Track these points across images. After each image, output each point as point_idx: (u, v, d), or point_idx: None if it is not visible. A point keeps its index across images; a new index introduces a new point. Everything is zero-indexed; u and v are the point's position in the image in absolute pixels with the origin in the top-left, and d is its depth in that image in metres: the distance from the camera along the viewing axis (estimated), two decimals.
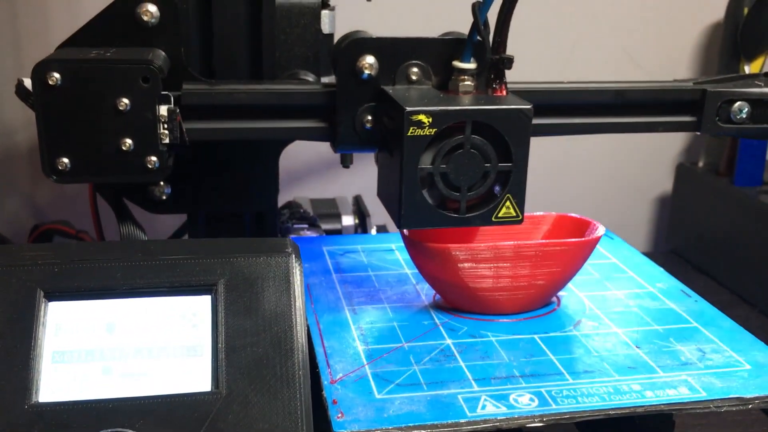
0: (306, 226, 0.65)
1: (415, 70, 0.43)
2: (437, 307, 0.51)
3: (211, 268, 0.35)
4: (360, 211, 0.70)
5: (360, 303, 0.51)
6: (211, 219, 0.52)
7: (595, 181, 0.98)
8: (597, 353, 0.45)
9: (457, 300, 0.50)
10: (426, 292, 0.52)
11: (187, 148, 0.42)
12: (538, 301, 0.50)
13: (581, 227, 0.52)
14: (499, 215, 0.42)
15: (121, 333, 0.34)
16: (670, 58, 0.96)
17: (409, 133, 0.39)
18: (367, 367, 0.42)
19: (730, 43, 0.88)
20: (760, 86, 0.49)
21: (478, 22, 0.41)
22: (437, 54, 0.44)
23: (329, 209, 0.69)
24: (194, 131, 0.42)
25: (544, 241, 0.50)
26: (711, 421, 0.62)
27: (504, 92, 0.43)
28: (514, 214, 0.42)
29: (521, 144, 0.41)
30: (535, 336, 0.47)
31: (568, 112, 0.48)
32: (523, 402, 0.40)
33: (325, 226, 0.67)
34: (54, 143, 0.40)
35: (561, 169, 0.96)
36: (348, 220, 0.68)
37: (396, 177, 0.40)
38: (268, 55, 0.47)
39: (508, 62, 0.42)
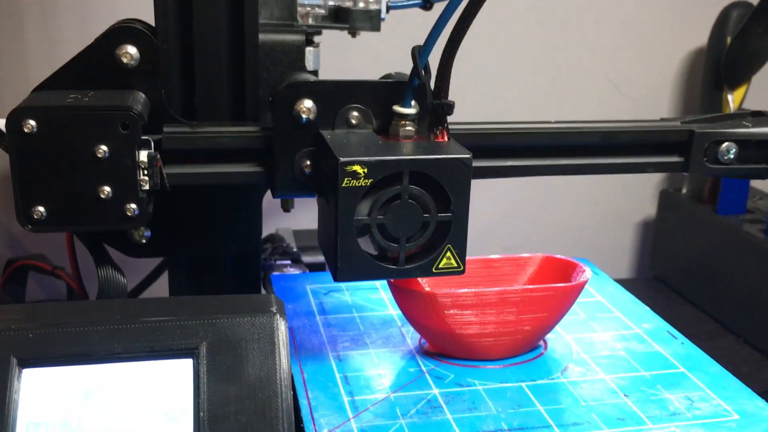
0: (289, 262, 0.64)
1: (355, 114, 0.43)
2: (423, 352, 0.50)
3: (192, 330, 0.34)
4: None
5: (345, 348, 0.50)
6: (192, 261, 0.50)
7: (578, 206, 0.98)
8: (585, 403, 0.45)
9: (442, 345, 0.49)
10: (411, 336, 0.52)
11: (167, 192, 0.41)
12: (525, 346, 0.50)
13: (567, 269, 0.52)
14: (440, 266, 0.41)
15: (99, 400, 0.33)
16: (652, 84, 0.97)
17: (344, 185, 0.38)
18: (352, 420, 0.42)
19: (712, 72, 0.88)
20: (747, 126, 0.49)
21: (418, 67, 0.40)
22: (377, 97, 0.43)
23: (312, 241, 0.68)
24: (176, 176, 0.41)
25: (529, 286, 0.50)
26: None
27: (446, 138, 0.42)
28: (455, 265, 0.41)
29: (461, 193, 0.40)
30: (523, 384, 0.47)
31: (555, 153, 0.48)
32: None
33: (308, 259, 0.66)
34: (29, 191, 0.39)
35: (544, 195, 0.96)
36: None
37: (332, 227, 0.40)
38: (252, 95, 0.46)
39: (449, 108, 0.41)
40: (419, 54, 0.40)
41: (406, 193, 0.39)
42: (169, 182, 0.41)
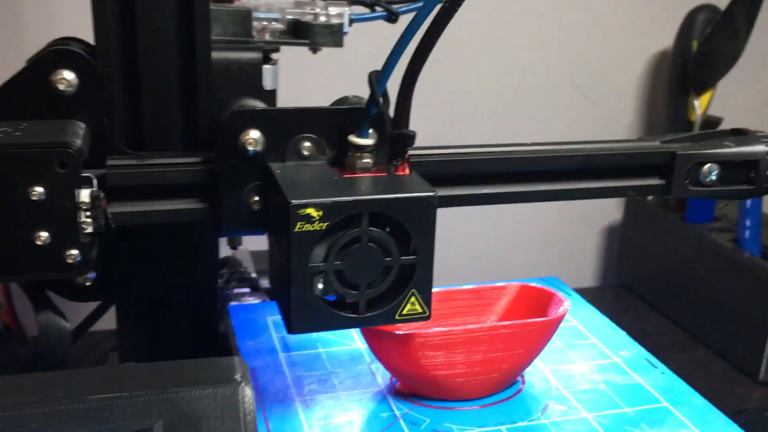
0: (248, 290, 0.60)
1: (306, 144, 0.39)
2: (395, 392, 0.47)
3: (145, 407, 0.30)
4: None
5: (312, 392, 0.47)
6: (141, 306, 0.46)
7: (543, 212, 0.97)
8: None
9: (415, 386, 0.47)
10: (382, 374, 0.49)
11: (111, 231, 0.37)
12: (502, 384, 0.48)
13: (544, 299, 0.50)
14: (404, 312, 0.38)
15: None
16: (617, 88, 0.96)
17: (296, 229, 0.34)
18: None
19: (678, 76, 0.87)
20: (730, 146, 0.47)
21: (376, 94, 0.37)
22: (331, 125, 0.39)
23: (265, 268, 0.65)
24: (121, 215, 0.37)
25: (507, 323, 0.47)
26: None
27: (407, 170, 0.39)
28: (420, 311, 0.38)
29: (426, 234, 0.37)
30: (503, 427, 0.44)
31: (533, 179, 0.45)
32: None
33: (267, 284, 0.62)
34: None
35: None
36: None
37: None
38: (206, 120, 0.42)
39: (410, 139, 0.38)
40: (377, 80, 0.36)
41: (365, 237, 0.36)
42: (114, 222, 0.37)
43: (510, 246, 0.97)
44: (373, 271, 0.37)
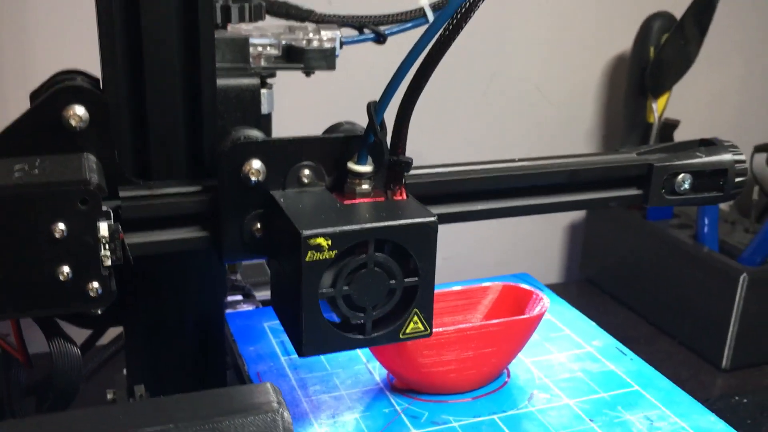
0: (241, 297, 0.61)
1: (306, 172, 0.41)
2: (393, 389, 0.51)
3: None
4: None
5: (316, 392, 0.50)
6: (149, 329, 0.47)
7: None
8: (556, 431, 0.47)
9: (411, 383, 0.50)
10: (379, 371, 0.53)
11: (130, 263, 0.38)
12: (491, 377, 0.52)
13: (525, 297, 0.54)
14: (407, 332, 0.40)
15: None
16: (576, 92, 0.99)
17: (307, 259, 0.36)
18: None
19: (636, 80, 0.91)
20: (701, 156, 0.50)
21: (374, 124, 0.38)
22: (329, 153, 0.41)
23: (261, 276, 0.66)
24: (137, 246, 0.38)
25: (496, 321, 0.51)
26: None
27: (404, 195, 0.41)
28: (423, 329, 0.40)
29: (428, 257, 0.38)
30: (495, 417, 0.48)
31: (522, 194, 0.48)
32: None
33: (260, 295, 0.64)
34: None
35: None
36: None
37: (294, 300, 0.37)
38: (209, 148, 0.43)
39: (407, 166, 0.40)
40: (375, 110, 0.38)
41: (371, 262, 0.37)
42: (131, 253, 0.38)
43: (480, 246, 1.00)
44: (378, 293, 0.38)
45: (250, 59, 0.47)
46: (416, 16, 0.52)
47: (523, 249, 1.02)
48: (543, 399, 0.50)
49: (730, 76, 1.08)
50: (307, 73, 0.50)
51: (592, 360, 0.55)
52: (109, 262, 0.37)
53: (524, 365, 0.54)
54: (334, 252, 0.36)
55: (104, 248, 0.36)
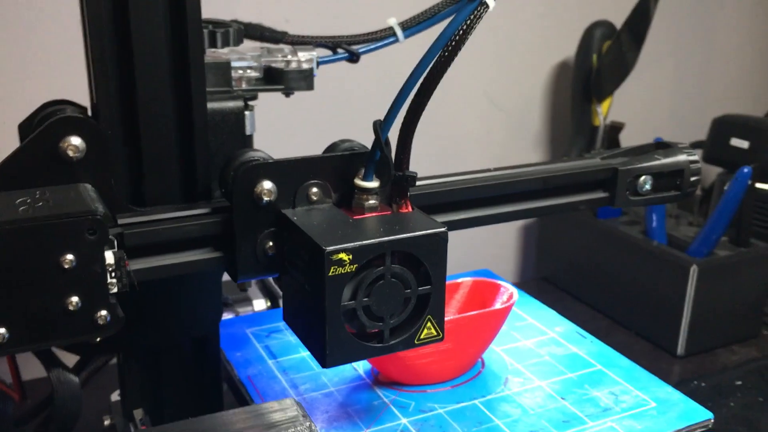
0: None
1: (315, 190, 0.42)
2: (378, 383, 0.55)
3: None
4: (269, 291, 0.67)
5: (307, 390, 0.53)
6: (145, 352, 0.47)
7: None
8: (533, 411, 0.51)
9: (394, 375, 0.54)
10: (363, 368, 0.56)
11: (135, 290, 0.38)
12: (468, 366, 0.56)
13: (493, 290, 0.59)
14: (421, 337, 0.42)
15: None
16: (524, 97, 1.02)
17: (330, 273, 0.37)
18: None
19: (581, 85, 0.95)
20: (659, 159, 0.54)
21: (380, 140, 0.40)
22: (335, 171, 0.43)
23: (237, 293, 0.66)
24: (141, 272, 0.39)
25: (473, 312, 0.55)
26: None
27: (410, 208, 0.43)
28: (435, 334, 0.42)
29: (439, 265, 0.41)
30: (477, 402, 0.52)
31: (498, 202, 0.51)
32: None
33: (241, 309, 0.65)
34: None
35: None
36: (260, 305, 0.66)
37: (315, 315, 0.39)
38: (203, 171, 0.43)
39: (413, 180, 0.42)
40: (381, 127, 0.40)
41: (389, 273, 0.39)
42: (136, 279, 0.38)
43: None
44: (395, 303, 0.40)
45: (233, 82, 0.48)
46: (387, 35, 0.55)
47: (481, 250, 1.05)
48: (517, 383, 0.55)
49: (664, 79, 1.14)
50: (287, 94, 0.51)
51: (557, 344, 0.60)
52: (115, 290, 0.37)
53: (496, 353, 0.59)
54: (354, 266, 0.38)
55: (110, 276, 0.37)
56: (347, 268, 0.38)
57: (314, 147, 0.47)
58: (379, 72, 0.86)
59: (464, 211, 0.48)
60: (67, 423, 0.43)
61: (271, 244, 0.42)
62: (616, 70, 0.91)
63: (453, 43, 0.38)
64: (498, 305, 0.57)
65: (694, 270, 0.79)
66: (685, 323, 0.80)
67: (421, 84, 0.39)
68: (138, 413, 0.48)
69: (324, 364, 0.39)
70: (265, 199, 0.40)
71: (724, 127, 0.96)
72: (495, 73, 1.00)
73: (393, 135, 0.41)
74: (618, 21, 0.92)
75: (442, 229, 0.40)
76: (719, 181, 0.93)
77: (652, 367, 0.81)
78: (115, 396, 0.56)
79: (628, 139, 0.96)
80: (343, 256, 0.37)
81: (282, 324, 0.62)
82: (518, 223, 1.07)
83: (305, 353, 0.57)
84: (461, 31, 0.38)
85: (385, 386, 0.54)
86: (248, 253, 0.41)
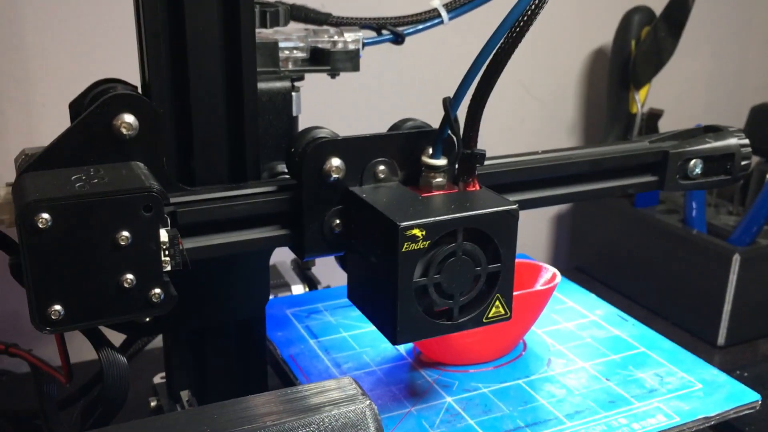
0: None
1: (381, 168, 0.43)
2: (421, 362, 0.55)
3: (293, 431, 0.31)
4: (306, 276, 0.67)
5: (350, 369, 0.54)
6: (192, 333, 0.47)
7: None
8: (578, 392, 0.51)
9: (438, 354, 0.54)
10: (405, 348, 0.56)
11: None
12: (511, 346, 0.56)
13: (534, 272, 0.58)
14: (490, 315, 0.42)
15: None
16: (558, 85, 1.01)
17: (404, 249, 0.37)
18: None
19: (618, 72, 0.94)
20: (710, 142, 0.53)
21: (450, 118, 0.40)
22: (403, 149, 0.43)
23: (275, 278, 0.67)
24: (196, 250, 0.39)
25: (521, 292, 0.54)
26: None
27: (477, 186, 0.43)
28: (503, 313, 0.42)
29: (509, 243, 0.41)
30: (520, 381, 0.52)
31: (550, 184, 0.51)
32: None
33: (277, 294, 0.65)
34: (45, 291, 0.35)
35: None
36: (298, 289, 0.65)
37: (386, 291, 0.39)
38: (251, 151, 0.43)
39: (481, 157, 0.42)
40: (451, 105, 0.40)
41: (460, 250, 0.39)
42: (189, 257, 0.38)
43: None
44: (465, 280, 0.40)
45: (280, 63, 0.48)
46: (431, 16, 0.54)
47: None
48: (560, 364, 0.55)
49: (701, 67, 1.12)
50: (333, 75, 0.51)
51: (598, 327, 0.60)
52: (168, 268, 0.37)
53: (537, 336, 0.58)
54: (427, 242, 0.38)
55: (164, 254, 0.37)
56: (420, 245, 0.38)
57: (355, 129, 0.47)
58: (419, 55, 0.86)
59: (511, 194, 0.48)
60: (116, 403, 0.43)
61: (338, 221, 0.42)
62: (654, 57, 0.90)
63: (525, 18, 0.38)
64: (540, 286, 0.57)
65: (736, 259, 0.77)
66: (727, 313, 0.79)
67: (491, 60, 0.39)
68: (185, 395, 0.48)
69: (394, 341, 0.40)
70: (333, 176, 0.41)
71: (762, 115, 0.94)
72: (530, 60, 0.99)
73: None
74: (657, 6, 0.90)
75: (514, 207, 0.40)
76: (758, 170, 0.92)
77: None
78: (158, 378, 0.57)
79: (666, 127, 0.94)
80: (416, 231, 0.37)
81: (321, 305, 0.63)
82: (551, 212, 1.06)
83: (346, 333, 0.58)
84: (533, 5, 0.38)
85: (427, 366, 0.54)
86: (315, 231, 0.42)
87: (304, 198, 0.41)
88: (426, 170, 0.42)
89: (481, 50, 0.39)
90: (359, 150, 0.42)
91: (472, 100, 0.40)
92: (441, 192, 0.42)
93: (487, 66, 0.39)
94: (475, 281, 0.41)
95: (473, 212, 0.39)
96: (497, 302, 0.41)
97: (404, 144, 0.43)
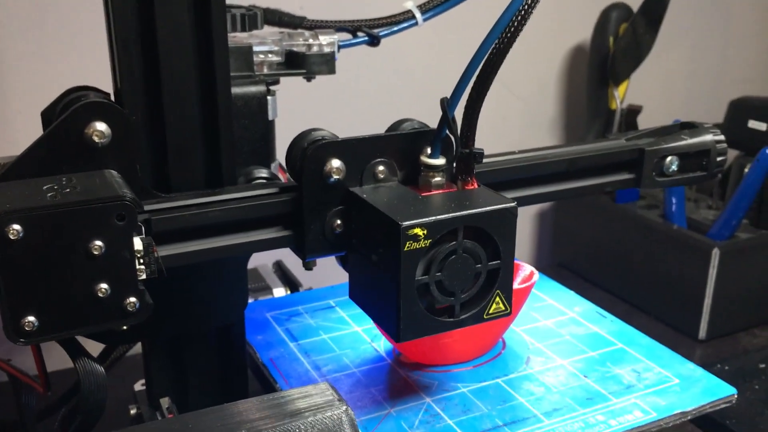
0: None
1: (381, 168, 0.43)
2: (401, 363, 0.55)
3: None
4: (288, 279, 0.67)
5: (330, 372, 0.54)
6: (171, 340, 0.47)
7: None
8: (556, 389, 0.52)
9: (418, 355, 0.54)
10: (384, 349, 0.56)
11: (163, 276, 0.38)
12: (490, 345, 0.56)
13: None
14: (490, 312, 0.42)
15: None
16: (538, 83, 1.01)
17: (406, 248, 0.38)
18: None
19: (597, 69, 0.95)
20: (685, 139, 0.53)
21: (448, 118, 0.41)
22: (402, 149, 0.43)
23: (256, 282, 0.67)
24: (167, 258, 0.39)
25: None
26: None
27: (475, 185, 0.43)
28: (503, 308, 0.43)
29: (508, 241, 0.41)
30: (499, 380, 0.53)
31: (525, 184, 0.50)
32: None
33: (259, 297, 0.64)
34: (18, 303, 0.35)
35: None
36: (280, 292, 0.65)
37: (389, 290, 0.40)
38: (227, 156, 0.43)
39: (479, 156, 0.42)
40: (448, 105, 0.40)
41: (461, 248, 0.40)
42: (171, 264, 0.38)
43: None
44: (466, 278, 0.41)
45: (254, 67, 0.48)
46: (406, 18, 0.54)
47: None
48: (539, 362, 0.55)
49: (680, 62, 1.13)
50: (309, 78, 0.51)
51: (576, 324, 0.60)
52: (144, 276, 0.37)
53: (517, 334, 0.59)
54: (428, 241, 0.38)
55: (139, 262, 0.37)
56: (422, 243, 0.38)
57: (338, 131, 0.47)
58: (395, 57, 0.86)
59: None
60: (93, 413, 0.43)
61: (338, 222, 0.42)
62: (632, 53, 0.91)
63: (520, 16, 0.38)
64: (517, 285, 0.57)
65: (716, 253, 0.78)
66: (707, 307, 0.80)
67: (487, 60, 0.40)
68: (165, 402, 0.48)
69: (398, 339, 0.40)
70: (334, 177, 0.41)
71: (741, 109, 0.95)
72: (510, 59, 0.98)
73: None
74: (634, 2, 0.91)
75: (512, 204, 0.41)
76: (737, 164, 0.93)
77: (674, 350, 0.81)
78: (138, 386, 0.56)
79: (645, 123, 0.95)
80: (418, 231, 0.38)
81: (301, 308, 0.63)
82: (533, 209, 1.07)
83: (326, 335, 0.58)
84: (527, 4, 0.38)
85: (406, 367, 0.54)
86: (316, 232, 0.42)
87: (305, 199, 0.41)
88: (425, 170, 0.43)
89: (476, 50, 0.39)
90: (359, 151, 0.42)
91: (468, 100, 0.41)
92: (440, 191, 0.42)
93: (483, 66, 0.40)
94: (475, 278, 0.41)
95: (473, 210, 0.40)
96: (497, 298, 0.42)
97: (403, 144, 0.43)
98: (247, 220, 0.42)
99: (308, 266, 0.45)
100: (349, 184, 0.42)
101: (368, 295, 0.43)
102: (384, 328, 0.42)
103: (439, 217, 0.39)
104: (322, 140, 0.42)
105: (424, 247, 0.38)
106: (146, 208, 0.39)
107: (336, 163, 0.41)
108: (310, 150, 0.41)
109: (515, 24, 0.39)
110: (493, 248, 0.41)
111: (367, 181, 0.43)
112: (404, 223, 0.38)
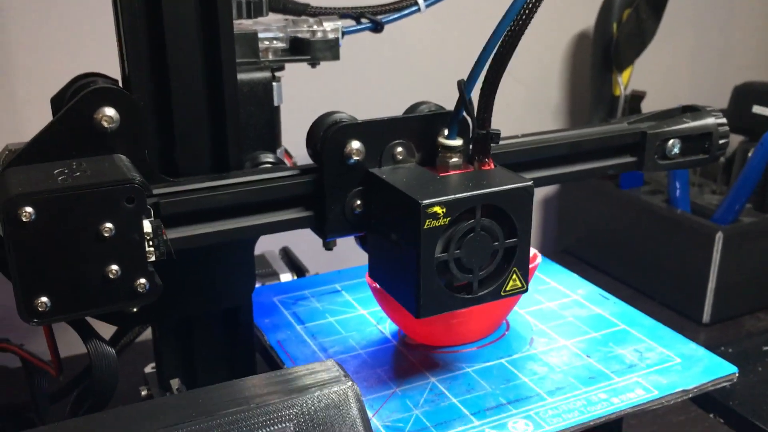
0: None
1: (399, 149, 0.44)
2: (406, 345, 0.55)
3: (275, 414, 0.32)
4: (294, 264, 0.68)
5: (336, 353, 0.54)
6: (180, 322, 0.48)
7: None
8: (559, 369, 0.52)
9: (423, 336, 0.55)
10: (390, 331, 0.57)
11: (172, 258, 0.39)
12: (494, 327, 0.57)
13: None
14: (507, 289, 0.43)
15: None
16: (542, 69, 1.02)
17: (426, 226, 0.39)
18: (374, 418, 0.46)
19: (601, 55, 0.95)
20: (687, 122, 0.54)
21: (465, 99, 0.42)
22: (420, 131, 0.44)
23: (263, 267, 0.68)
24: (176, 241, 0.39)
25: None
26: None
27: (492, 165, 0.44)
28: (520, 285, 0.44)
29: (525, 218, 0.42)
30: (503, 361, 0.53)
31: (530, 167, 0.51)
32: (521, 428, 0.46)
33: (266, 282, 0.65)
34: (31, 283, 0.36)
35: None
36: (286, 277, 0.66)
37: (409, 268, 0.41)
38: (233, 141, 0.44)
39: (496, 137, 0.43)
40: (465, 86, 0.41)
41: (479, 226, 0.41)
42: (191, 245, 0.39)
43: None
44: (484, 255, 0.42)
45: (260, 53, 0.48)
46: (409, 4, 0.54)
47: None
48: (543, 342, 0.55)
49: (684, 47, 1.13)
50: (313, 65, 0.52)
51: (579, 306, 0.61)
52: (153, 258, 0.38)
53: (520, 316, 0.60)
54: (448, 219, 0.39)
55: (148, 244, 0.37)
56: (441, 221, 0.39)
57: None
58: (398, 43, 0.86)
59: None
60: (104, 394, 0.44)
61: (358, 202, 0.44)
62: (636, 39, 0.91)
63: None
64: None
65: (719, 237, 0.79)
66: (711, 291, 0.80)
67: (504, 40, 0.41)
68: (174, 383, 0.49)
69: (418, 315, 0.41)
70: (354, 158, 0.42)
71: (745, 94, 0.95)
72: None
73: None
74: None
75: (529, 183, 0.42)
76: (741, 149, 0.93)
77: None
78: (149, 368, 0.57)
79: (649, 109, 0.95)
80: (437, 209, 0.39)
81: (308, 292, 0.63)
82: (538, 195, 1.07)
83: (332, 318, 0.59)
84: None
85: (412, 348, 0.55)
86: (337, 212, 0.43)
87: (325, 180, 0.43)
88: (442, 151, 0.44)
89: (492, 32, 0.40)
90: (378, 132, 0.43)
91: (484, 82, 0.42)
92: (457, 171, 0.43)
93: (499, 47, 0.40)
94: (492, 256, 0.42)
95: (491, 189, 0.41)
96: (514, 275, 0.43)
97: (421, 126, 0.44)
98: (267, 202, 0.43)
99: (328, 246, 0.46)
100: (369, 165, 0.43)
101: (388, 273, 0.44)
102: (404, 305, 0.43)
103: (457, 195, 0.40)
104: (341, 122, 0.43)
105: (443, 225, 0.39)
106: (157, 191, 0.40)
107: (356, 144, 0.42)
108: (330, 132, 0.42)
109: (530, 5, 0.40)
110: (510, 226, 0.42)
111: (386, 162, 0.44)
112: (424, 201, 0.39)
